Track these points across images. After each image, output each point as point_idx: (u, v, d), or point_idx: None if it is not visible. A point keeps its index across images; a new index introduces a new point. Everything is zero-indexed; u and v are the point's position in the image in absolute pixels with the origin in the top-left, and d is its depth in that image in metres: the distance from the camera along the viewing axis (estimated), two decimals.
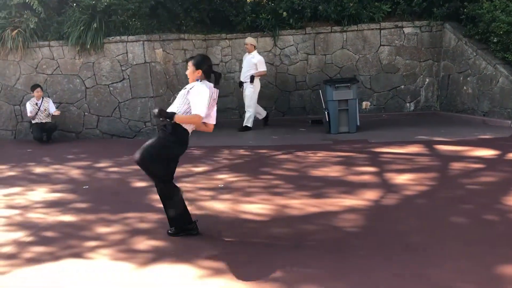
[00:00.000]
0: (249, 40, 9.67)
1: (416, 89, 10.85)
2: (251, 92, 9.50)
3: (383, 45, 10.77)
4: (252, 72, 9.42)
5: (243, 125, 9.62)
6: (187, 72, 4.29)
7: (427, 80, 10.82)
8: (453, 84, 10.33)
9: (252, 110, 9.58)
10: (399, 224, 4.25)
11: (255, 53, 9.52)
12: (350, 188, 5.39)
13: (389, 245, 3.78)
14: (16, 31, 9.63)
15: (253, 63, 9.39)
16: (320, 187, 5.51)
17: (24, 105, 9.60)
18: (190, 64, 4.23)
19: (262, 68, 9.49)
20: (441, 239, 3.86)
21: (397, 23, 10.66)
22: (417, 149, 7.24)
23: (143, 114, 9.41)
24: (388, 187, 5.37)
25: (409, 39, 10.71)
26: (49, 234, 4.40)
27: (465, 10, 10.10)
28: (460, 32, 10.09)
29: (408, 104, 10.89)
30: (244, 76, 9.58)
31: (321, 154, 7.24)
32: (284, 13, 10.62)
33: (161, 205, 5.04)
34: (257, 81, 9.54)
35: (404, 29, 10.68)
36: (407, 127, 9.16)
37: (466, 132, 8.33)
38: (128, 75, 9.41)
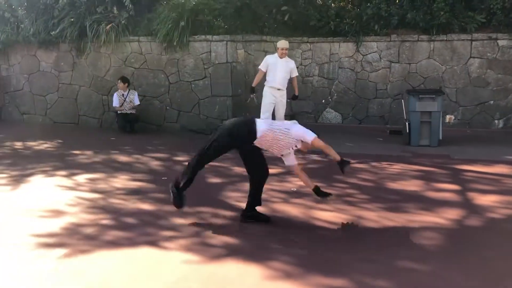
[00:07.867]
0: (287, 44, 8.38)
1: (507, 106, 10.14)
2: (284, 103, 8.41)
3: (474, 57, 10.18)
4: (288, 77, 8.34)
5: None
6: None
7: None
8: None
9: None
10: (484, 248, 3.97)
11: (287, 57, 8.44)
12: (429, 204, 5.13)
13: (473, 270, 3.54)
14: (110, 25, 10.22)
15: (290, 68, 8.33)
16: (396, 200, 5.30)
17: (112, 95, 10.16)
18: None
19: (296, 73, 8.55)
20: None
21: (491, 35, 10.02)
22: (504, 170, 6.75)
23: (221, 112, 9.60)
24: (471, 207, 5.05)
25: (504, 52, 10.03)
26: (128, 220, 4.61)
27: None
28: None
29: (496, 121, 10.21)
30: (282, 83, 8.28)
31: (398, 166, 6.97)
32: (366, 19, 10.33)
33: (236, 202, 5.11)
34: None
35: (498, 41, 10.02)
36: (494, 145, 8.58)
37: None
38: (210, 74, 9.66)
